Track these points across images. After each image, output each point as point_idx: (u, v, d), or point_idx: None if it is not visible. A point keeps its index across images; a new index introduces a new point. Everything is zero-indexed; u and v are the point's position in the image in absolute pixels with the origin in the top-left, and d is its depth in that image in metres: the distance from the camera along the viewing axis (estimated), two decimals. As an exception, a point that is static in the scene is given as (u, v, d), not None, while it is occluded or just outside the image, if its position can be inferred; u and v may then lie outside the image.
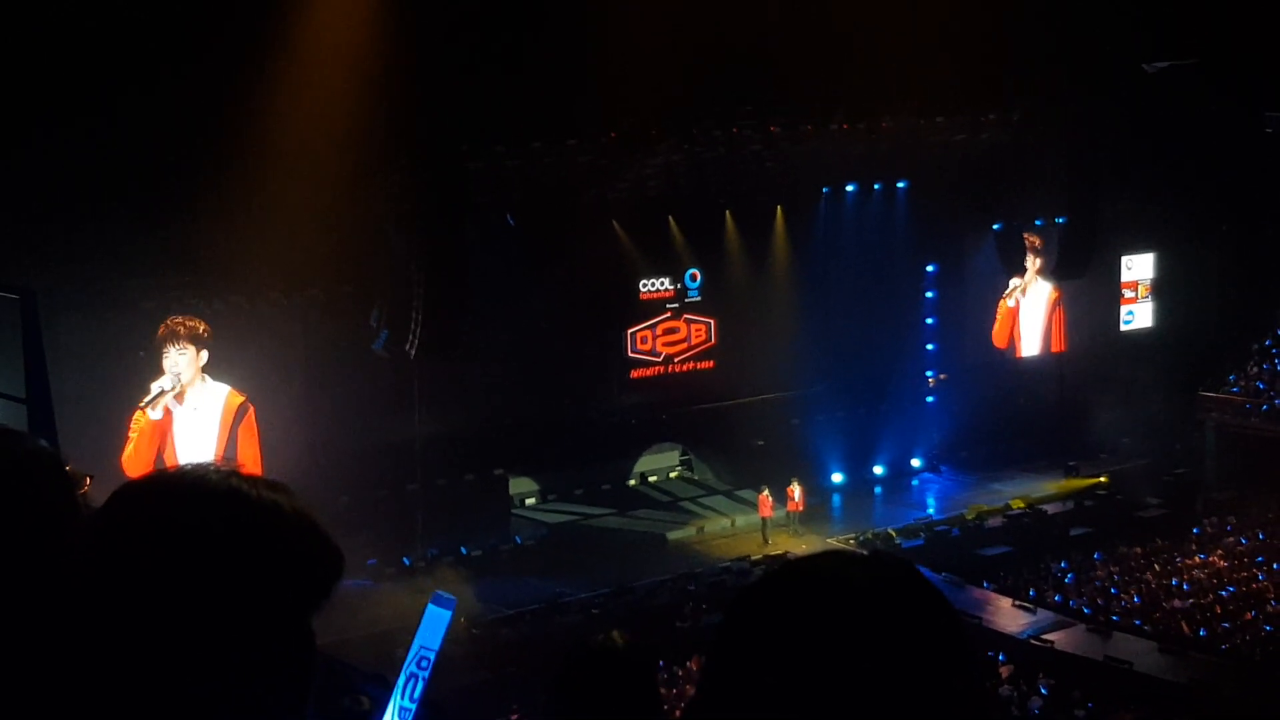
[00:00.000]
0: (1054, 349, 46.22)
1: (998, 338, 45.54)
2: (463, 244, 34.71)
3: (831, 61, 34.29)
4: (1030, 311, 45.85)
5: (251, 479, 1.99)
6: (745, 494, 39.48)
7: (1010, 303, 45.47)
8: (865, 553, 1.90)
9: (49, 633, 1.95)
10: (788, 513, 37.66)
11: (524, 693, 26.59)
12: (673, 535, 37.80)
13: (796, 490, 37.51)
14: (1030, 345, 45.96)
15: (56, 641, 1.92)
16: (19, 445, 2.35)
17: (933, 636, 1.74)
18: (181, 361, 32.08)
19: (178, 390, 32.02)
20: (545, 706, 4.49)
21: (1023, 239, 45.05)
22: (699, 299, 40.18)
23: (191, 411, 32.33)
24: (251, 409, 32.85)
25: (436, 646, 5.09)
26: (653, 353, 39.63)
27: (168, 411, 32.02)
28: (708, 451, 41.80)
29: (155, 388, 31.78)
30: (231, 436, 32.66)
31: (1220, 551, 36.84)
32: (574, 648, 4.22)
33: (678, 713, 15.73)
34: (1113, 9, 37.39)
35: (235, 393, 32.73)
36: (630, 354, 39.24)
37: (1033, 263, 45.39)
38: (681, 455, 42.49)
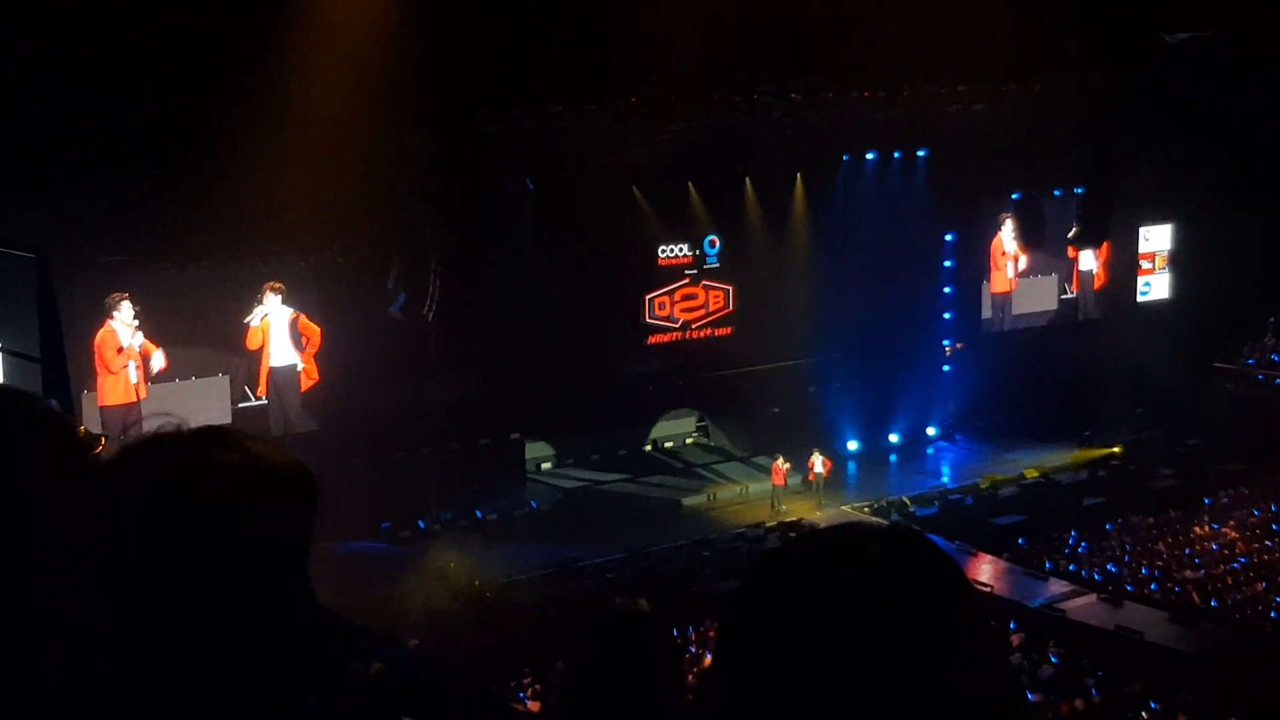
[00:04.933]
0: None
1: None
2: (480, 208, 34.74)
3: (852, 29, 34.16)
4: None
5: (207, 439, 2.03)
6: (761, 461, 39.49)
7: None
8: (882, 526, 1.86)
9: (50, 594, 1.99)
10: (807, 481, 37.71)
11: (537, 656, 26.70)
12: (687, 501, 37.87)
13: (818, 461, 37.50)
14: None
15: (57, 603, 1.96)
16: (25, 406, 2.35)
17: (949, 613, 1.73)
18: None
19: None
20: (564, 670, 4.47)
21: (1041, 209, 44.93)
22: (717, 265, 40.16)
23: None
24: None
25: None
26: (670, 319, 39.63)
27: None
28: (724, 418, 41.82)
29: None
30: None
31: (1232, 522, 36.85)
32: (596, 611, 4.20)
33: (691, 677, 15.76)
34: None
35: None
36: (648, 320, 39.24)
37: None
38: (698, 421, 42.52)
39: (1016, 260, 45.06)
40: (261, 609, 2.00)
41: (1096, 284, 46.46)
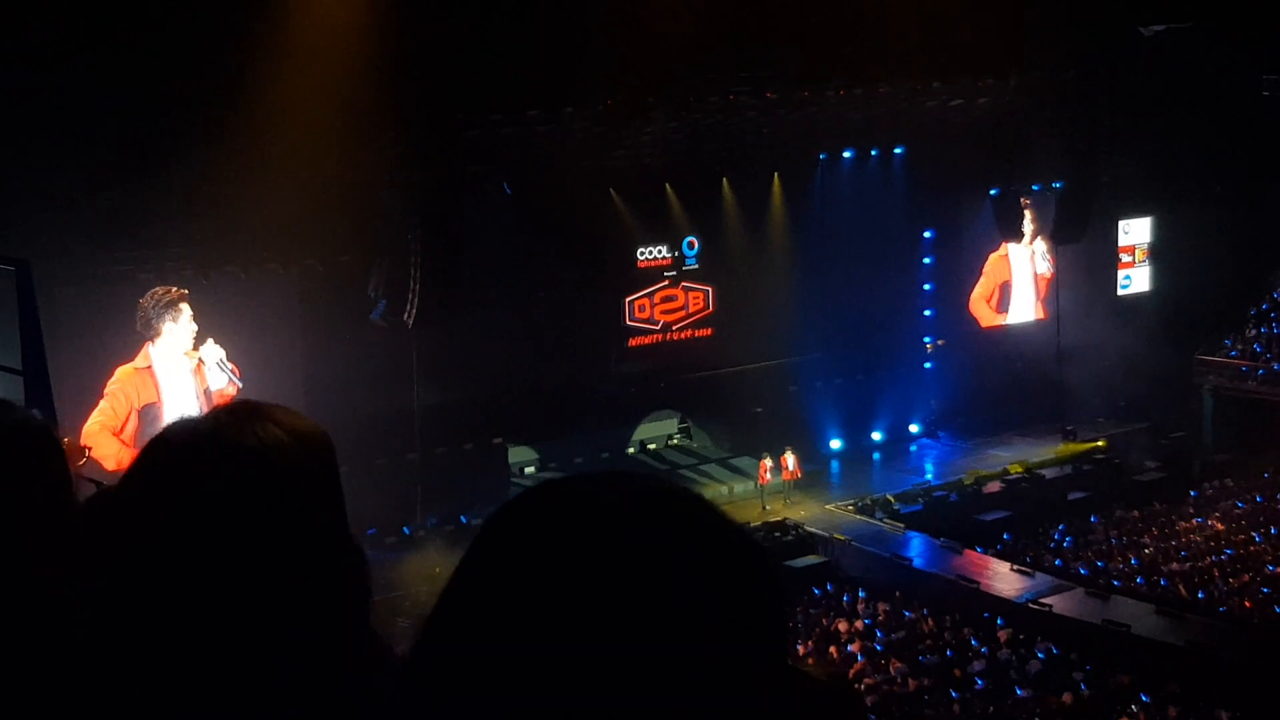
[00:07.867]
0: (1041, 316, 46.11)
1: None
2: (460, 213, 34.68)
3: (828, 27, 34.17)
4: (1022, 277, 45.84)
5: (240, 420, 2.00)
6: (743, 461, 39.53)
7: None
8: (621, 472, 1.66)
9: (40, 596, 1.96)
10: (783, 481, 37.67)
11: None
12: (671, 503, 37.79)
13: (790, 459, 37.48)
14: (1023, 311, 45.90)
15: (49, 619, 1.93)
16: (7, 416, 2.34)
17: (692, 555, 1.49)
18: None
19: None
20: None
21: (1019, 203, 44.86)
22: (696, 267, 40.14)
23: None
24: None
25: None
26: (651, 321, 39.60)
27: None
28: (706, 419, 41.77)
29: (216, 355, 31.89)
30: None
31: (1217, 514, 36.93)
32: None
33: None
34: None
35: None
36: (628, 322, 39.21)
37: (1030, 228, 45.31)
38: (680, 423, 42.48)
39: (1048, 284, 45.17)
40: (319, 570, 1.99)
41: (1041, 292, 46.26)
